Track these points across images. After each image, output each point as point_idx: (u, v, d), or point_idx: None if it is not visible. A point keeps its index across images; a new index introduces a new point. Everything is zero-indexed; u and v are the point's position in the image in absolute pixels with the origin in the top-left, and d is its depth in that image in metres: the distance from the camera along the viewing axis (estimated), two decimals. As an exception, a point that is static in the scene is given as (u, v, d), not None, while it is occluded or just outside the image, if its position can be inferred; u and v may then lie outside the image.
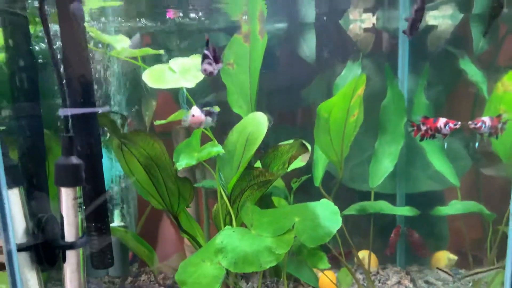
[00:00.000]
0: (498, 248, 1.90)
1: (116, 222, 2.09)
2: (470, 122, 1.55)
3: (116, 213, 2.10)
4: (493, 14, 1.62)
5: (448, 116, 2.00)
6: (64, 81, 1.34)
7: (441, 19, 2.11)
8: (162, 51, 1.59)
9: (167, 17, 2.13)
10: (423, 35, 2.23)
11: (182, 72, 1.47)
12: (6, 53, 1.43)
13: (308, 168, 2.12)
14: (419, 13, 1.52)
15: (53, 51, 1.26)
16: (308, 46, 2.25)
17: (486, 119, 1.53)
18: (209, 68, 1.39)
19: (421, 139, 1.60)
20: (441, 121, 1.55)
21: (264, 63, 2.03)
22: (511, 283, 1.30)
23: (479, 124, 1.52)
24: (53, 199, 1.61)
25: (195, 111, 1.43)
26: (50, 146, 1.67)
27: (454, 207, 1.95)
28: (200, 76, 1.45)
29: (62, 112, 1.41)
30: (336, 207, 1.59)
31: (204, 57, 1.40)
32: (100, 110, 1.49)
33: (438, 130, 1.55)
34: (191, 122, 1.44)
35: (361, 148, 2.28)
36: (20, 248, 1.26)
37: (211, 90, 2.30)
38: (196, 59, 1.52)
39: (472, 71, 1.97)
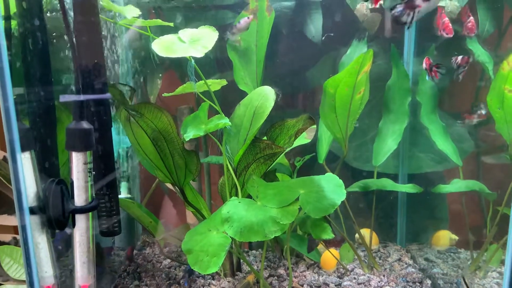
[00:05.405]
0: (497, 227, 1.93)
1: (123, 194, 2.11)
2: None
3: (123, 185, 2.12)
4: None
5: (453, 97, 2.03)
6: (76, 51, 1.35)
7: (448, 0, 2.11)
8: (171, 24, 1.60)
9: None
10: (429, 16, 2.23)
11: (191, 42, 1.48)
12: (18, 21, 1.44)
13: (312, 147, 2.14)
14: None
15: (66, 21, 1.27)
16: (315, 26, 2.26)
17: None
18: None
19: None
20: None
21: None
22: (510, 281, 1.30)
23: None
24: (62, 167, 1.64)
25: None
26: (60, 118, 1.69)
27: (456, 185, 1.97)
28: (210, 46, 1.46)
29: (62, 98, 1.43)
30: (340, 180, 1.61)
31: None
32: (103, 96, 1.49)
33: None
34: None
35: (365, 128, 2.30)
36: (31, 211, 1.29)
37: (216, 68, 2.31)
38: (204, 29, 1.53)
39: (479, 51, 1.97)
